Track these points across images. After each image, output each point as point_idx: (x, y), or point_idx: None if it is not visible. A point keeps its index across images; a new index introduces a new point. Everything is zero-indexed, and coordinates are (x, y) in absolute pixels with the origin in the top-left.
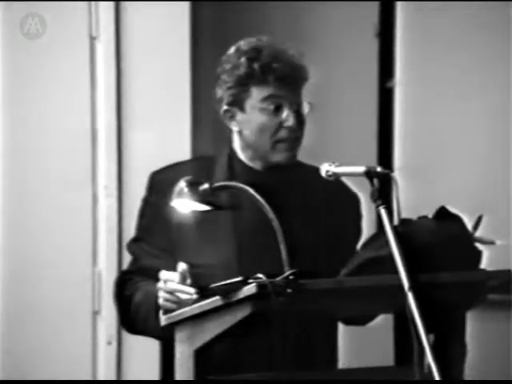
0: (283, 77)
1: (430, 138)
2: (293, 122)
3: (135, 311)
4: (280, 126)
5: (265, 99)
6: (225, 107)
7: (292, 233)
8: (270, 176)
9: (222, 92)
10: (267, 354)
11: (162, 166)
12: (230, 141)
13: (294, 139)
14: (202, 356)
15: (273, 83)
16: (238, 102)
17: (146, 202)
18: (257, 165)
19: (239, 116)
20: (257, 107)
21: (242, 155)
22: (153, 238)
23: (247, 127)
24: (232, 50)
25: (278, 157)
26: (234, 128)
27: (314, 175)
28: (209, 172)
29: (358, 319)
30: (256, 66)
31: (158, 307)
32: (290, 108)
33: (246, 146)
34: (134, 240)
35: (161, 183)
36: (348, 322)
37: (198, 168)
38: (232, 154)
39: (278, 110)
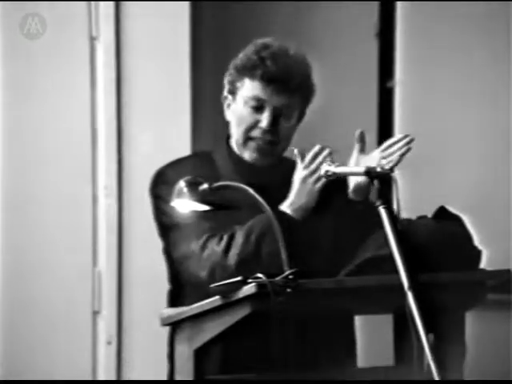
0: (270, 76)
1: (430, 137)
2: (266, 124)
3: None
4: (255, 124)
5: (251, 94)
6: (224, 94)
7: (294, 231)
8: (266, 172)
9: (225, 80)
10: (267, 353)
11: (166, 163)
12: (228, 135)
13: (265, 142)
14: (201, 356)
15: (260, 81)
16: (233, 91)
17: (160, 197)
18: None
19: (233, 105)
20: (243, 100)
21: (236, 149)
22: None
23: (233, 117)
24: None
25: (247, 155)
26: (228, 118)
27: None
28: (212, 167)
29: None
30: (253, 57)
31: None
32: (269, 110)
33: (233, 137)
34: (171, 228)
35: (170, 177)
36: None
37: (201, 163)
38: (229, 148)
39: (259, 108)
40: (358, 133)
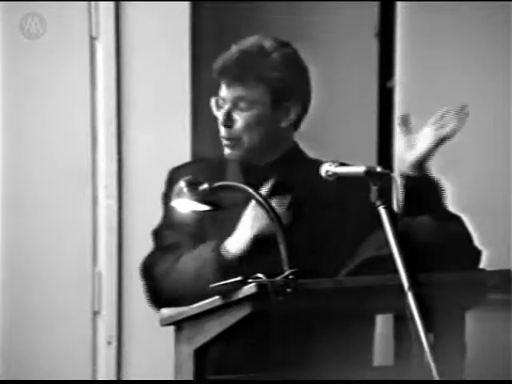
0: (221, 71)
1: None
2: (221, 120)
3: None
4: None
5: (216, 96)
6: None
7: (294, 231)
8: (273, 172)
9: None
10: (267, 353)
11: (182, 163)
12: None
13: (228, 138)
14: (201, 356)
15: (218, 79)
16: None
17: (167, 197)
18: (255, 161)
19: None
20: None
21: None
22: (182, 225)
23: None
24: None
25: (225, 153)
26: None
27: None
28: (223, 170)
29: None
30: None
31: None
32: (224, 106)
33: None
34: (162, 228)
35: (179, 179)
36: None
37: (213, 167)
38: None
39: (220, 107)
40: (399, 117)
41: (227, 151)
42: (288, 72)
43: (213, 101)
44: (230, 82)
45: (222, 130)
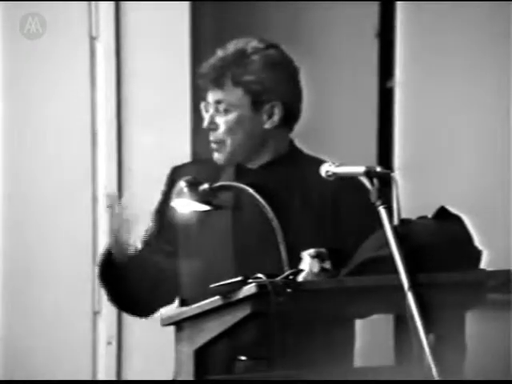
0: (203, 76)
1: (430, 138)
2: (205, 124)
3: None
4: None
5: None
6: None
7: (292, 232)
8: (265, 174)
9: None
10: (267, 353)
11: (184, 162)
12: None
13: (214, 142)
14: (201, 356)
15: (203, 83)
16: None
17: (162, 194)
18: (249, 164)
19: None
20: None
21: None
22: (160, 231)
23: None
24: None
25: (213, 157)
26: None
27: (315, 168)
28: (220, 171)
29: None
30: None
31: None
32: (208, 110)
33: None
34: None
35: (177, 178)
36: None
37: (213, 168)
38: None
39: (207, 111)
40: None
41: (215, 155)
42: (269, 74)
43: (202, 105)
44: (210, 87)
45: (210, 134)
